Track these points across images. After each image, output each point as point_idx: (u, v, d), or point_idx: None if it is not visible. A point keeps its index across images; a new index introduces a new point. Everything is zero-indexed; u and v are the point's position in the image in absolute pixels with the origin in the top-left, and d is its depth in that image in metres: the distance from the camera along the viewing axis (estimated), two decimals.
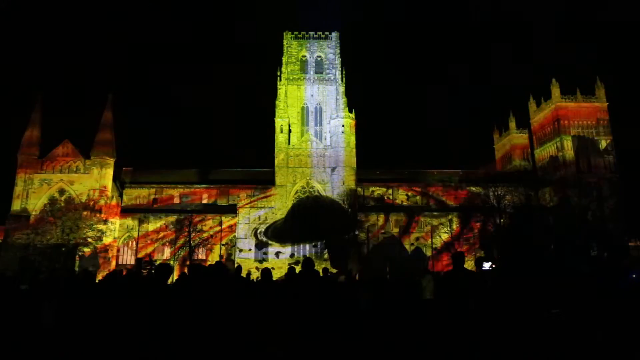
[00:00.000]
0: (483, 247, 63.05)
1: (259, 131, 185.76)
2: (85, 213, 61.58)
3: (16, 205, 67.14)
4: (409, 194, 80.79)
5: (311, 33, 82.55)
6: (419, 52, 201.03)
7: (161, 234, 72.35)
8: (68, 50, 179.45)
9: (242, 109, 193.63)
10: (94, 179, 68.63)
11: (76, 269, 54.74)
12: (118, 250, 71.44)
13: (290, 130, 75.69)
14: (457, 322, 12.87)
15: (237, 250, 69.33)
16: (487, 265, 48.93)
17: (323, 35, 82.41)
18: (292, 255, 67.22)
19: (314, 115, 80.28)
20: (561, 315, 13.32)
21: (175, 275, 38.09)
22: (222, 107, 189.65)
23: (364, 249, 70.94)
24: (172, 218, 72.26)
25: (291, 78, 79.74)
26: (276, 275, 48.37)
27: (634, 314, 11.12)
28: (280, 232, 68.64)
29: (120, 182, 77.04)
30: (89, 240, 60.19)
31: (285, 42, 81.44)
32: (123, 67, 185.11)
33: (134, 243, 72.87)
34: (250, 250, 69.14)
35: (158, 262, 36.52)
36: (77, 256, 60.06)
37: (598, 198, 67.90)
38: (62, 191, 68.52)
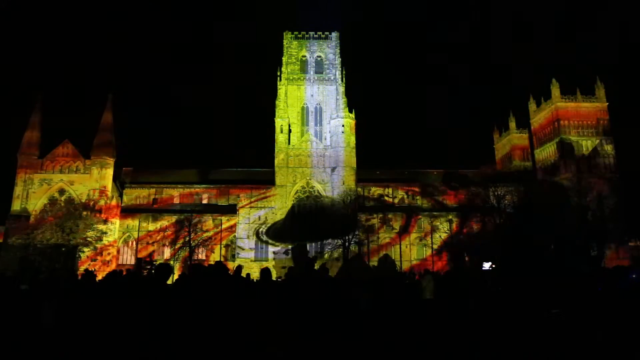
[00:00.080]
0: (483, 247, 63.01)
1: (259, 131, 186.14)
2: (85, 213, 61.58)
3: (16, 205, 67.14)
4: (409, 194, 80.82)
5: (311, 33, 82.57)
6: (419, 52, 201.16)
7: (161, 234, 72.37)
8: (68, 50, 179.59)
9: (242, 109, 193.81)
10: (94, 179, 68.63)
11: (76, 269, 54.74)
12: (118, 251, 71.43)
13: (290, 130, 75.71)
14: (457, 322, 12.88)
15: (237, 250, 69.33)
16: (487, 265, 48.95)
17: (323, 35, 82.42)
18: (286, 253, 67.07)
19: (314, 115, 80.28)
20: (561, 315, 13.32)
21: (175, 275, 38.09)
22: (222, 107, 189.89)
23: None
24: (172, 218, 72.28)
25: (291, 78, 79.75)
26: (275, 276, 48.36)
27: (634, 314, 11.12)
28: (280, 232, 68.64)
29: (120, 182, 77.03)
30: (89, 240, 60.18)
31: (285, 42, 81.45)
32: (123, 67, 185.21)
33: (134, 243, 72.89)
34: (250, 249, 69.15)
35: (158, 262, 36.54)
36: (77, 256, 60.06)
37: (598, 198, 67.86)
38: (62, 191, 68.53)
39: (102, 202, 67.29)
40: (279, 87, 78.10)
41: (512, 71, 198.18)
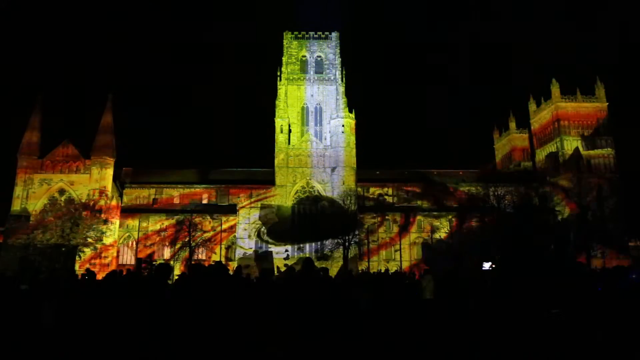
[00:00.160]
0: (483, 247, 63.03)
1: (259, 131, 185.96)
2: (85, 213, 61.55)
3: (16, 206, 67.12)
4: (409, 194, 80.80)
5: (311, 33, 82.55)
6: (419, 52, 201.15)
7: (161, 235, 72.35)
8: (68, 50, 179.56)
9: (242, 109, 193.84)
10: (94, 179, 68.59)
11: (77, 269, 54.73)
12: (118, 251, 71.40)
13: (290, 130, 75.69)
14: (457, 322, 12.88)
15: (238, 250, 69.31)
16: (487, 265, 48.92)
17: (323, 35, 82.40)
18: (286, 257, 67.15)
19: (314, 115, 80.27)
20: (561, 315, 13.31)
21: (175, 275, 38.07)
22: (222, 107, 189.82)
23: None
24: (172, 218, 72.24)
25: (291, 78, 79.74)
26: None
27: (634, 314, 11.12)
28: (280, 232, 68.63)
29: (120, 182, 77.00)
30: (89, 240, 60.18)
31: (285, 42, 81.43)
32: (123, 67, 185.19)
33: (134, 243, 72.87)
34: (250, 250, 69.13)
35: (158, 263, 36.46)
36: (77, 256, 60.05)
37: (598, 198, 67.91)
38: (62, 191, 68.49)
39: (102, 203, 67.23)
40: (279, 87, 78.09)
41: (512, 71, 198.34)
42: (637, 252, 69.16)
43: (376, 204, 78.22)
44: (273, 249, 68.83)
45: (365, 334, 12.32)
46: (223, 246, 72.97)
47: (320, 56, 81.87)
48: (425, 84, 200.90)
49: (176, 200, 78.20)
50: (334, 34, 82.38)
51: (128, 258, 72.07)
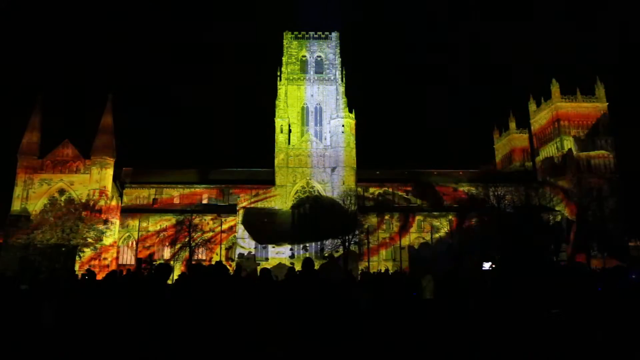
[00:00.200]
0: (483, 247, 63.07)
1: (259, 131, 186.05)
2: (85, 213, 61.55)
3: (16, 206, 67.11)
4: (409, 194, 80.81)
5: (311, 33, 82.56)
6: (419, 52, 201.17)
7: (161, 235, 72.32)
8: (68, 50, 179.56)
9: (242, 109, 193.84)
10: (94, 180, 68.57)
11: (77, 269, 54.75)
12: (118, 251, 71.38)
13: (290, 130, 75.71)
14: (457, 322, 12.88)
15: (238, 250, 69.29)
16: (487, 265, 48.95)
17: (323, 35, 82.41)
18: (292, 256, 67.19)
19: (314, 115, 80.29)
20: (561, 315, 13.31)
21: (175, 275, 38.07)
22: (222, 107, 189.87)
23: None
24: (172, 218, 72.21)
25: (291, 78, 79.74)
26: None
27: (634, 314, 11.12)
28: (280, 232, 68.62)
29: (120, 182, 77.00)
30: (89, 240, 60.17)
31: (285, 42, 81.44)
32: (123, 67, 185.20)
33: (134, 243, 72.85)
34: (250, 250, 69.13)
35: (158, 262, 36.40)
36: (78, 257, 60.04)
37: (598, 198, 67.91)
38: (62, 191, 68.47)
39: (102, 203, 67.23)
40: (279, 87, 78.09)
41: (512, 71, 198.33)
42: (637, 252, 69.18)
43: (376, 204, 78.23)
44: (273, 249, 68.86)
45: (365, 334, 12.32)
46: (223, 246, 72.95)
47: (320, 56, 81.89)
48: (425, 84, 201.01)
49: (176, 200, 78.19)
50: (334, 34, 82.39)
51: (128, 258, 72.05)
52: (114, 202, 71.52)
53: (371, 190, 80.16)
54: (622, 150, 79.62)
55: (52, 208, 62.70)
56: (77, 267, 56.80)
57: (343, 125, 73.78)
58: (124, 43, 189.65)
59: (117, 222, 71.80)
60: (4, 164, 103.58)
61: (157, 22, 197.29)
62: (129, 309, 9.39)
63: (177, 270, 59.62)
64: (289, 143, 74.24)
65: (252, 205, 71.76)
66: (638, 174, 63.91)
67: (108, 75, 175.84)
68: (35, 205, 66.95)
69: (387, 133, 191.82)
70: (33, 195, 67.71)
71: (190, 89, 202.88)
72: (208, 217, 73.08)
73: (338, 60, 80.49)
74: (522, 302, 14.59)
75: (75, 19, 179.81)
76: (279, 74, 79.25)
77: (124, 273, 22.10)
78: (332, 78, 79.92)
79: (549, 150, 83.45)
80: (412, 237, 74.46)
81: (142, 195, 78.68)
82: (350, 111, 75.34)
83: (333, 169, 72.73)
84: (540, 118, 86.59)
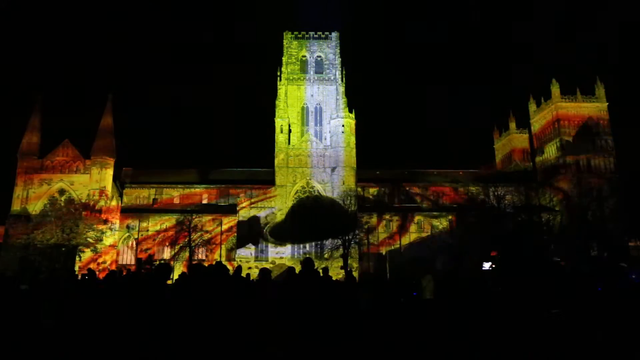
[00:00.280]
0: (483, 248, 63.08)
1: (259, 131, 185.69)
2: (85, 213, 61.56)
3: (16, 206, 67.12)
4: (409, 194, 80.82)
5: (311, 33, 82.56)
6: (419, 52, 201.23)
7: (161, 235, 72.29)
8: (68, 50, 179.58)
9: (242, 109, 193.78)
10: (94, 180, 68.58)
11: (76, 269, 54.77)
12: (118, 251, 71.33)
13: (290, 130, 75.71)
14: (457, 322, 12.88)
15: (238, 250, 69.31)
16: (487, 265, 48.97)
17: (323, 35, 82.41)
18: (292, 255, 67.22)
19: (314, 115, 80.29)
20: (561, 315, 13.31)
21: (175, 275, 38.06)
22: (222, 107, 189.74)
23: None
24: (172, 218, 72.18)
25: (291, 78, 79.74)
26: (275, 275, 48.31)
27: (634, 314, 11.12)
28: (280, 232, 68.67)
29: (120, 182, 77.00)
30: (89, 240, 60.18)
31: (285, 42, 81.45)
32: (123, 67, 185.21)
33: (134, 243, 72.83)
34: (250, 249, 69.15)
35: (158, 262, 36.39)
36: (77, 256, 60.04)
37: (598, 198, 67.87)
38: (62, 191, 68.47)
39: (102, 203, 67.24)
40: (279, 87, 78.09)
41: (512, 71, 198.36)
42: (637, 252, 69.14)
43: (376, 204, 78.21)
44: (273, 248, 68.93)
45: (365, 334, 12.32)
46: (223, 246, 72.92)
47: (320, 56, 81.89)
48: (425, 84, 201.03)
49: (176, 201, 78.17)
50: (334, 34, 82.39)
51: (128, 258, 72.00)
52: (114, 203, 71.52)
53: (371, 190, 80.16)
54: (622, 150, 79.69)
55: (52, 208, 62.72)
56: (77, 268, 56.84)
57: (343, 125, 73.80)
58: (124, 43, 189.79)
59: (117, 222, 71.80)
60: (4, 164, 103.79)
61: (157, 22, 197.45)
62: (129, 309, 9.39)
63: (178, 270, 59.62)
64: (289, 143, 74.25)
65: (252, 205, 71.80)
66: (638, 174, 63.88)
67: (108, 75, 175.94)
68: (35, 206, 66.97)
69: (387, 133, 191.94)
70: (33, 195, 67.72)
71: (190, 89, 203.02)
72: (208, 217, 73.07)
73: (338, 60, 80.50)
74: (522, 302, 14.60)
75: (75, 19, 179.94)
76: (279, 74, 79.26)
77: (124, 273, 22.11)
78: (332, 78, 79.93)
79: (549, 151, 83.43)
80: (412, 237, 74.44)
81: (142, 195, 78.66)
82: (350, 111, 75.35)
83: (333, 169, 72.74)
84: (540, 118, 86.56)
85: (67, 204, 62.40)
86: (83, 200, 65.63)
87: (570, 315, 13.02)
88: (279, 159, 72.95)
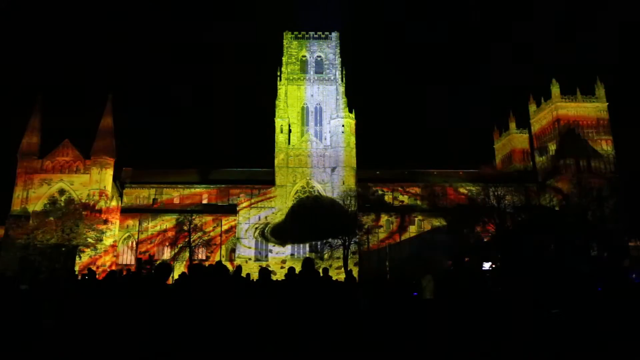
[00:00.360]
0: (483, 247, 63.04)
1: (259, 131, 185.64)
2: (85, 213, 61.59)
3: (16, 206, 67.15)
4: (409, 194, 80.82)
5: (311, 33, 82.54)
6: (419, 52, 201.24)
7: (161, 235, 72.34)
8: (68, 50, 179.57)
9: (242, 109, 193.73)
10: (94, 179, 68.61)
11: (76, 269, 54.77)
12: (117, 255, 71.29)
13: (290, 130, 75.69)
14: (457, 322, 12.86)
15: (238, 250, 69.35)
16: (487, 265, 48.94)
17: (323, 35, 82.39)
18: (292, 255, 67.23)
19: (314, 115, 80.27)
20: (561, 315, 13.32)
21: (175, 275, 38.07)
22: (222, 107, 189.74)
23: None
24: (172, 218, 72.23)
25: (291, 78, 79.73)
26: (275, 275, 48.34)
27: (634, 314, 11.12)
28: (280, 232, 68.66)
29: (120, 182, 77.04)
30: (89, 240, 60.19)
31: (285, 42, 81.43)
32: (123, 67, 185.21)
33: (134, 243, 72.86)
34: (250, 248, 69.18)
35: (158, 262, 36.23)
36: (77, 256, 60.06)
37: (598, 198, 67.80)
38: (62, 191, 68.53)
39: (102, 203, 67.29)
40: (279, 87, 78.08)
41: (512, 71, 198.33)
42: (637, 252, 69.06)
43: (376, 204, 78.17)
44: (273, 248, 68.94)
45: (365, 334, 12.33)
46: (223, 247, 72.98)
47: (320, 56, 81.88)
48: (425, 84, 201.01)
49: (176, 201, 78.22)
50: (334, 34, 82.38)
51: (128, 258, 72.06)
52: (114, 203, 71.55)
53: (371, 190, 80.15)
54: (622, 150, 79.66)
55: (52, 208, 62.77)
56: (77, 268, 56.85)
57: (343, 125, 73.80)
58: (124, 43, 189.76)
59: (117, 222, 71.84)
60: (4, 164, 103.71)
61: (157, 22, 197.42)
62: (129, 309, 9.39)
63: (177, 270, 59.61)
64: (289, 143, 74.24)
65: (253, 206, 71.81)
66: (638, 174, 63.82)
67: (108, 75, 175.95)
68: (35, 206, 67.01)
69: (387, 133, 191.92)
70: (33, 195, 67.76)
71: (190, 89, 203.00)
72: (208, 218, 73.11)
73: (338, 60, 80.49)
74: (522, 302, 14.59)
75: (75, 19, 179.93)
76: (279, 74, 79.25)
77: (124, 273, 22.10)
78: (332, 78, 79.91)
79: (550, 151, 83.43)
80: (412, 237, 74.35)
81: (142, 195, 78.69)
82: (350, 111, 75.34)
83: (333, 169, 72.74)
84: (540, 118, 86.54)
85: (67, 204, 62.44)
86: (83, 201, 65.68)
87: (570, 315, 13.02)
88: (279, 159, 72.95)
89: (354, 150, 73.69)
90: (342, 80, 78.73)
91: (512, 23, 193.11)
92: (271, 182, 72.80)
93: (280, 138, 73.60)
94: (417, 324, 14.87)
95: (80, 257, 60.65)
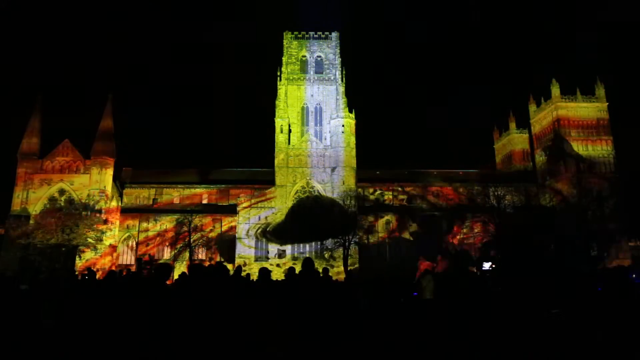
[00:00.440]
0: (483, 247, 63.09)
1: (259, 131, 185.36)
2: (85, 213, 61.62)
3: (16, 206, 67.16)
4: (409, 194, 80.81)
5: (311, 33, 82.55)
6: (419, 52, 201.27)
7: (161, 235, 72.36)
8: (68, 50, 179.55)
9: (242, 109, 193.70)
10: (94, 180, 68.63)
11: (76, 269, 54.77)
12: (117, 256, 71.28)
13: (290, 130, 75.70)
14: (457, 322, 12.87)
15: (238, 250, 69.33)
16: (487, 265, 48.95)
17: (323, 35, 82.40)
18: (292, 255, 67.22)
19: (314, 115, 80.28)
20: (561, 315, 13.31)
21: (175, 275, 38.08)
22: (222, 107, 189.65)
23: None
24: (172, 218, 72.25)
25: (291, 78, 79.74)
26: (275, 275, 48.31)
27: (634, 314, 11.12)
28: (280, 232, 68.68)
29: (120, 182, 77.04)
30: (89, 240, 60.21)
31: (285, 42, 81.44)
32: (123, 67, 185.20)
33: (134, 243, 72.88)
34: (250, 248, 69.16)
35: (158, 263, 36.34)
36: (77, 256, 60.08)
37: (598, 198, 67.86)
38: (62, 191, 68.54)
39: (102, 203, 67.30)
40: (279, 87, 78.09)
41: (512, 71, 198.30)
42: (637, 252, 69.16)
43: (376, 204, 78.22)
44: (273, 248, 68.93)
45: (365, 334, 12.32)
46: (223, 246, 72.95)
47: (320, 56, 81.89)
48: (425, 84, 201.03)
49: (176, 201, 78.25)
50: (334, 34, 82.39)
51: (128, 258, 72.06)
52: (114, 203, 71.57)
53: (371, 190, 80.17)
54: (622, 150, 79.64)
55: (52, 208, 62.78)
56: (77, 268, 56.85)
57: (343, 125, 73.81)
58: (124, 43, 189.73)
59: (117, 222, 71.86)
60: (4, 164, 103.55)
61: (157, 22, 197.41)
62: (129, 309, 9.39)
63: (178, 271, 59.60)
64: (289, 143, 74.25)
65: (253, 206, 71.81)
66: (638, 174, 63.93)
67: (108, 75, 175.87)
68: (36, 206, 67.03)
69: (387, 133, 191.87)
70: (33, 195, 67.78)
71: (190, 89, 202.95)
72: (208, 218, 73.13)
73: (338, 60, 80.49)
74: (522, 302, 14.60)
75: (75, 19, 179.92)
76: (279, 74, 79.25)
77: (124, 273, 22.11)
78: (332, 78, 79.91)
79: (549, 151, 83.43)
80: (412, 237, 74.37)
81: (142, 195, 78.71)
82: (350, 111, 75.35)
83: (333, 169, 72.74)
84: (540, 118, 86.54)
85: (67, 204, 62.46)
86: (83, 201, 65.69)
87: (570, 315, 13.01)
88: (279, 159, 72.96)
89: (354, 150, 73.70)
90: (342, 80, 78.73)
91: (512, 23, 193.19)
92: (271, 182, 72.80)
93: (280, 138, 73.61)
94: (417, 324, 14.87)
95: (80, 257, 60.65)
